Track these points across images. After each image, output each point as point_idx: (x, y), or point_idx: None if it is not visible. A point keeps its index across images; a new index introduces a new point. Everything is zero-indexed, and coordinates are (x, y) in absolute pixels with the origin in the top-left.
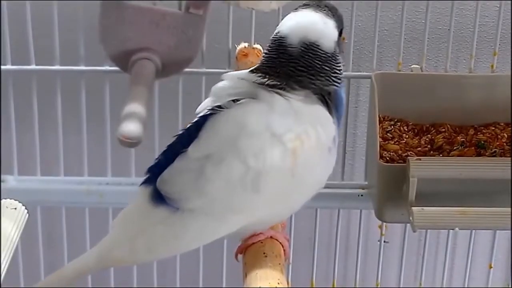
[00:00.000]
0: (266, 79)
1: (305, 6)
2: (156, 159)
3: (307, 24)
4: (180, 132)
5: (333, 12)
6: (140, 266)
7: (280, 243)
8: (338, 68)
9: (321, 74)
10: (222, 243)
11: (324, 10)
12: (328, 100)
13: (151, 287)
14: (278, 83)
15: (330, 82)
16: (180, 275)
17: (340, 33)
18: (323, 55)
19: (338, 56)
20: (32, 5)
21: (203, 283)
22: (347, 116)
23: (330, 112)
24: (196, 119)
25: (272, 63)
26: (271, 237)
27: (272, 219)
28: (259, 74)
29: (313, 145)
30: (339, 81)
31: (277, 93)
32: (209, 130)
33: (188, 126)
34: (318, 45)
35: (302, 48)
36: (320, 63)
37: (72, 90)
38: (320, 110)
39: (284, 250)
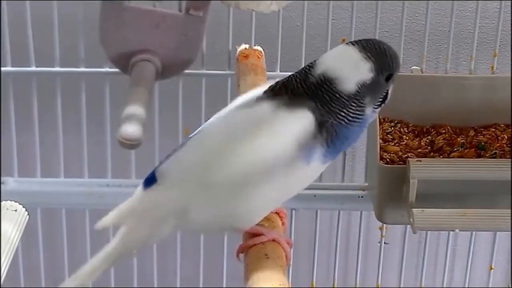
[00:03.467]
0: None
1: (354, 42)
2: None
3: (333, 60)
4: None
5: (378, 55)
6: (140, 266)
7: (282, 247)
8: (351, 109)
9: (327, 107)
10: (222, 243)
11: (368, 51)
12: (323, 127)
13: (151, 287)
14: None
15: (333, 117)
16: (181, 275)
17: (388, 78)
18: (336, 93)
19: (361, 98)
20: (32, 6)
21: (204, 283)
22: None
23: (322, 138)
24: None
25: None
26: (273, 240)
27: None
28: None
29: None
30: (348, 121)
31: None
32: (203, 130)
33: None
34: (332, 84)
35: (319, 81)
36: (328, 98)
37: (72, 91)
38: (298, 119)
39: (285, 256)
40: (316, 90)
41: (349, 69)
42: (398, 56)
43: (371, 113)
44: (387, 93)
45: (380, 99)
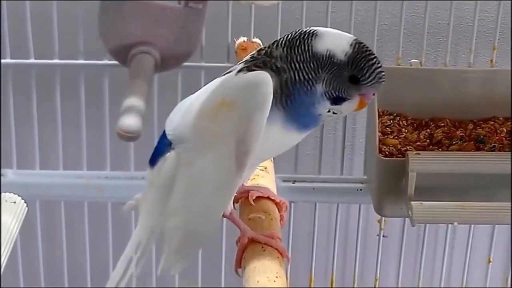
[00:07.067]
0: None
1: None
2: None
3: (332, 30)
4: None
5: (363, 53)
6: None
7: (265, 244)
8: (307, 67)
9: (291, 53)
10: (221, 243)
11: (359, 45)
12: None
13: (150, 287)
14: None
15: (290, 67)
16: (179, 275)
17: (353, 79)
18: (307, 45)
19: (320, 67)
20: None
21: (202, 283)
22: None
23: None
24: None
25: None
26: (252, 239)
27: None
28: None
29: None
30: (301, 78)
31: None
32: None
33: None
34: (312, 37)
35: (306, 33)
36: (297, 43)
37: (71, 84)
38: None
39: (277, 250)
40: (294, 41)
41: (333, 37)
42: (379, 78)
43: (320, 100)
44: (344, 98)
45: (336, 96)
